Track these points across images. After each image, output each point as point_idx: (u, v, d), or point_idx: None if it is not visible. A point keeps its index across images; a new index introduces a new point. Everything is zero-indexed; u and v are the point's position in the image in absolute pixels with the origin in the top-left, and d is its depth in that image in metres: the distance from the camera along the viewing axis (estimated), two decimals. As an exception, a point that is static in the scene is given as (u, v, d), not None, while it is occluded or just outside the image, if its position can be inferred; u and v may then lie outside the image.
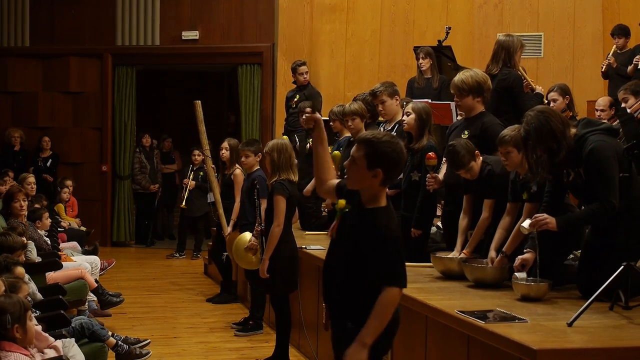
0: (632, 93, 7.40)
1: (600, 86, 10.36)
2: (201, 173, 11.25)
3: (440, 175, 5.97)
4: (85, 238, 10.08)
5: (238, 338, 7.22)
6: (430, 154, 5.79)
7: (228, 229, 8.24)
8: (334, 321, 3.57)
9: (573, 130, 4.67)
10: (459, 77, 5.78)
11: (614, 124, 6.63)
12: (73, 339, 5.26)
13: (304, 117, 3.77)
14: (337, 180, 3.73)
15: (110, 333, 5.95)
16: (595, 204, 4.57)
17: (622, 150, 4.60)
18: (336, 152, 6.93)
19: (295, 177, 6.25)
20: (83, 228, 10.68)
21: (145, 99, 13.78)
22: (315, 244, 6.88)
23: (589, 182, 4.59)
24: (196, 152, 11.46)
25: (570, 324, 4.03)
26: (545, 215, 4.62)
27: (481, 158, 5.45)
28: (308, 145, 8.31)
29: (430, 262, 5.60)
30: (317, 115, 3.79)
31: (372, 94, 6.82)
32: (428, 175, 5.85)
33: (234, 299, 8.67)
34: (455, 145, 5.41)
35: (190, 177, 11.24)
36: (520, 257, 4.81)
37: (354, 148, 3.48)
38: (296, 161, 6.43)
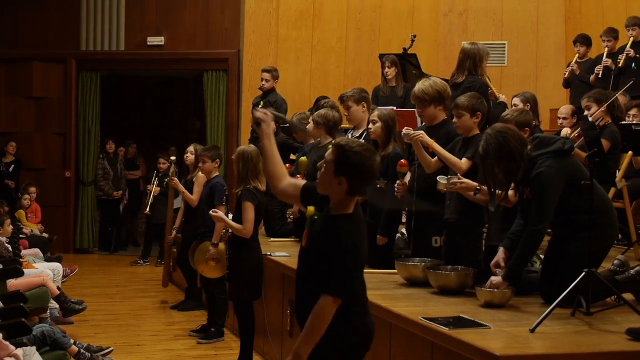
0: (595, 101, 7.48)
1: (563, 94, 10.48)
2: (166, 179, 11.19)
3: (406, 181, 5.98)
4: (48, 245, 9.98)
5: (202, 345, 7.19)
6: (401, 161, 5.80)
7: (173, 234, 8.50)
8: None
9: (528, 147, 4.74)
10: (418, 87, 5.73)
11: (575, 131, 6.72)
12: (34, 347, 5.20)
13: (254, 112, 3.70)
14: (302, 182, 3.68)
15: (72, 341, 5.90)
16: (524, 235, 4.67)
17: (579, 162, 4.69)
18: (303, 158, 6.94)
19: (262, 186, 6.22)
20: (45, 235, 10.57)
21: (110, 105, 13.68)
22: (280, 250, 6.87)
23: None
24: (161, 159, 11.42)
25: (532, 330, 4.06)
26: (493, 282, 4.70)
27: None
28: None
29: (394, 268, 5.61)
30: (267, 111, 3.69)
31: (340, 99, 6.87)
32: (398, 181, 5.86)
33: (199, 305, 8.63)
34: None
35: (155, 184, 11.17)
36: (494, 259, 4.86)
37: (329, 151, 3.45)
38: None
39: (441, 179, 5.19)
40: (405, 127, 5.68)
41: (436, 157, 5.55)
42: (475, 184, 5.05)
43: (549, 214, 4.63)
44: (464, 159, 5.34)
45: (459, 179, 5.12)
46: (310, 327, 3.29)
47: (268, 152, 3.63)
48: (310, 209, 3.49)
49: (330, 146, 3.47)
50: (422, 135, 5.50)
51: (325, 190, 3.42)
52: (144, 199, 12.27)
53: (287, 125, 7.70)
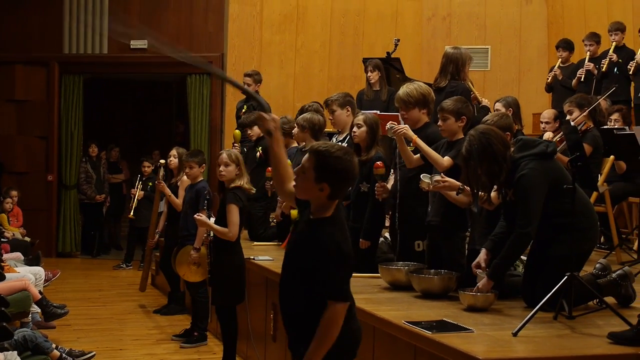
0: (577, 106, 7.53)
1: (546, 99, 10.53)
2: (150, 183, 11.18)
3: (389, 185, 6.00)
4: (30, 249, 9.91)
5: (185, 350, 7.16)
6: (377, 163, 5.82)
7: (155, 238, 8.46)
8: (291, 344, 3.47)
9: (511, 149, 4.76)
10: (403, 90, 5.76)
11: (558, 136, 6.76)
12: (15, 352, 5.17)
13: (267, 117, 3.69)
14: None
15: (54, 345, 5.86)
16: (512, 237, 4.67)
17: (562, 166, 4.72)
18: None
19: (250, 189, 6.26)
20: (27, 238, 10.50)
21: (93, 108, 13.62)
22: (263, 254, 6.85)
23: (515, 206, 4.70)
24: (146, 163, 11.39)
25: (515, 334, 4.07)
26: (480, 287, 4.71)
27: None
28: (258, 153, 8.30)
29: (378, 272, 5.62)
30: (274, 117, 3.70)
31: (324, 103, 6.89)
32: (377, 184, 5.87)
33: (182, 310, 8.60)
34: None
35: (139, 187, 11.14)
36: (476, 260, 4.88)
37: (305, 157, 3.41)
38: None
39: (425, 178, 5.20)
40: (390, 122, 5.70)
41: (418, 155, 5.57)
42: (458, 183, 5.07)
43: (536, 216, 4.64)
44: (446, 157, 5.37)
45: (442, 177, 5.14)
46: (323, 335, 3.25)
47: (278, 157, 3.64)
48: (294, 212, 3.49)
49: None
50: (407, 129, 5.52)
51: (306, 195, 3.40)
52: (127, 202, 12.22)
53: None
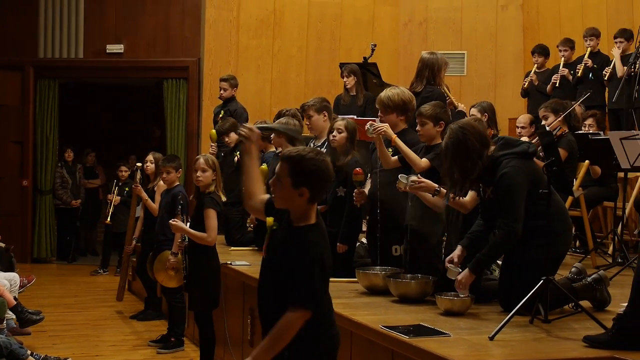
0: (552, 111, 7.59)
1: (522, 104, 10.60)
2: (127, 188, 11.13)
3: (365, 190, 6.01)
4: (4, 254, 9.82)
5: (162, 355, 7.13)
6: (356, 169, 5.83)
7: (133, 243, 8.47)
8: None
9: (492, 148, 4.77)
10: (385, 93, 5.79)
11: (534, 141, 6.80)
12: (-10, 359, 5.13)
13: (240, 131, 3.71)
14: (266, 197, 3.62)
15: (29, 352, 5.82)
16: (498, 233, 4.67)
17: (540, 169, 4.73)
18: (263, 166, 6.93)
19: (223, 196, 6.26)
20: (2, 244, 10.41)
21: (69, 113, 13.54)
22: (240, 259, 6.85)
23: (497, 204, 4.70)
24: (122, 167, 11.34)
25: (491, 338, 4.09)
26: (459, 278, 4.71)
27: None
28: (236, 158, 8.28)
29: (355, 277, 5.62)
30: (253, 128, 3.68)
31: (301, 108, 6.89)
32: (355, 190, 5.88)
33: (159, 315, 8.56)
34: None
35: (115, 193, 11.08)
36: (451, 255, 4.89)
37: (278, 166, 3.38)
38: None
39: (402, 178, 5.21)
40: (370, 122, 5.72)
41: (396, 157, 5.59)
42: (435, 185, 5.09)
43: (522, 213, 4.64)
44: (423, 159, 5.40)
45: (419, 178, 5.15)
46: (274, 338, 3.24)
47: (247, 169, 3.63)
48: (270, 219, 3.46)
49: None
50: (387, 127, 5.54)
51: (286, 204, 3.37)
52: (104, 208, 12.16)
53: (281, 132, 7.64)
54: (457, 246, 4.90)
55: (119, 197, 11.09)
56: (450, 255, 4.88)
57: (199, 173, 6.18)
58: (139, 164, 8.71)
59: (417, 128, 5.56)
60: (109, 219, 10.86)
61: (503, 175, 4.65)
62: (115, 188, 11.14)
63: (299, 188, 3.29)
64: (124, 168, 11.30)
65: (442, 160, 4.85)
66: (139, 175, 8.58)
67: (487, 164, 4.68)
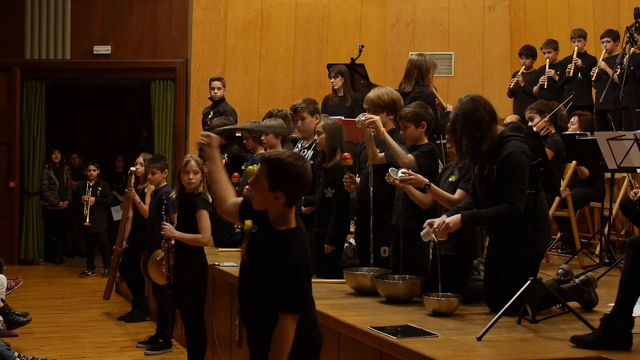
0: (538, 112, 7.63)
1: (508, 105, 10.64)
2: (99, 188, 11.14)
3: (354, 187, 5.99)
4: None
5: (150, 357, 7.12)
6: (345, 154, 5.81)
7: (124, 245, 8.40)
8: (252, 352, 3.47)
9: (501, 128, 4.76)
10: (374, 92, 5.77)
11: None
12: (-23, 361, 5.11)
13: (199, 140, 3.72)
14: (239, 200, 3.62)
15: (16, 354, 5.81)
16: (503, 205, 4.60)
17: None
18: (251, 167, 6.92)
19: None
20: (-11, 246, 10.38)
21: (56, 114, 13.49)
22: (228, 260, 6.84)
23: (500, 182, 4.65)
24: (91, 167, 11.30)
25: (479, 339, 4.10)
26: (447, 221, 4.65)
27: None
28: (223, 160, 8.26)
29: (343, 278, 5.62)
30: (211, 134, 3.70)
31: (293, 109, 6.87)
32: (345, 175, 5.85)
33: (146, 314, 8.54)
34: None
35: (89, 193, 11.05)
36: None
37: (257, 167, 3.39)
38: None
39: (392, 171, 5.19)
40: (362, 114, 5.71)
41: (382, 154, 5.58)
42: (425, 180, 5.08)
43: (525, 195, 4.61)
44: (409, 155, 5.38)
45: (409, 172, 5.13)
46: (278, 349, 3.27)
47: (212, 175, 3.65)
48: (248, 222, 3.45)
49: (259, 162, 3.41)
50: (377, 120, 5.53)
51: (263, 206, 3.38)
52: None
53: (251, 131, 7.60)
54: (442, 215, 4.84)
55: (93, 198, 11.08)
56: (432, 220, 4.83)
57: (191, 175, 6.15)
58: (132, 168, 8.66)
59: (400, 132, 5.55)
60: (87, 221, 10.83)
61: (510, 154, 4.60)
62: (88, 189, 11.11)
63: (275, 191, 3.30)
64: (92, 167, 11.29)
65: (450, 132, 4.84)
66: (132, 179, 8.54)
67: (496, 140, 4.66)
